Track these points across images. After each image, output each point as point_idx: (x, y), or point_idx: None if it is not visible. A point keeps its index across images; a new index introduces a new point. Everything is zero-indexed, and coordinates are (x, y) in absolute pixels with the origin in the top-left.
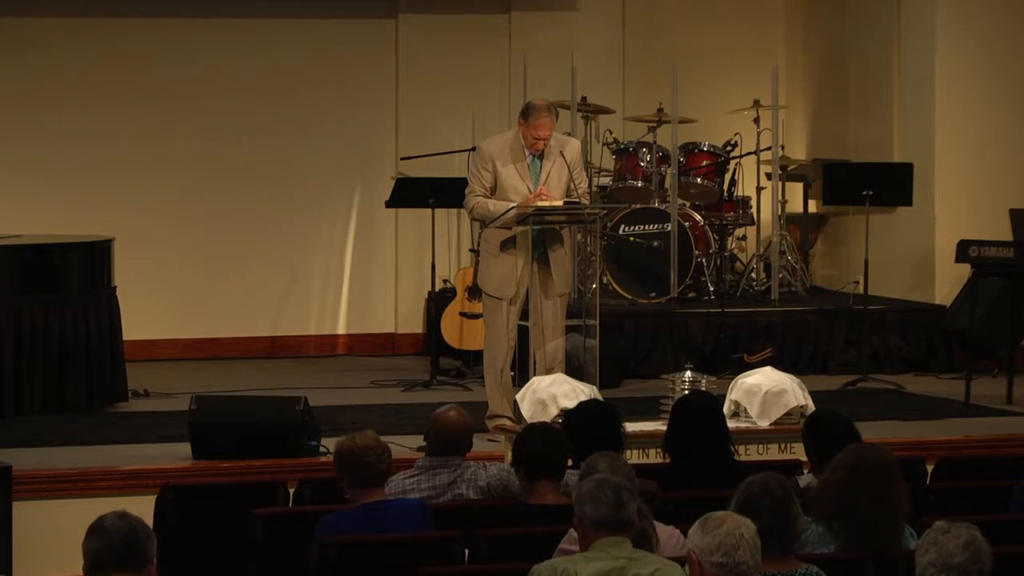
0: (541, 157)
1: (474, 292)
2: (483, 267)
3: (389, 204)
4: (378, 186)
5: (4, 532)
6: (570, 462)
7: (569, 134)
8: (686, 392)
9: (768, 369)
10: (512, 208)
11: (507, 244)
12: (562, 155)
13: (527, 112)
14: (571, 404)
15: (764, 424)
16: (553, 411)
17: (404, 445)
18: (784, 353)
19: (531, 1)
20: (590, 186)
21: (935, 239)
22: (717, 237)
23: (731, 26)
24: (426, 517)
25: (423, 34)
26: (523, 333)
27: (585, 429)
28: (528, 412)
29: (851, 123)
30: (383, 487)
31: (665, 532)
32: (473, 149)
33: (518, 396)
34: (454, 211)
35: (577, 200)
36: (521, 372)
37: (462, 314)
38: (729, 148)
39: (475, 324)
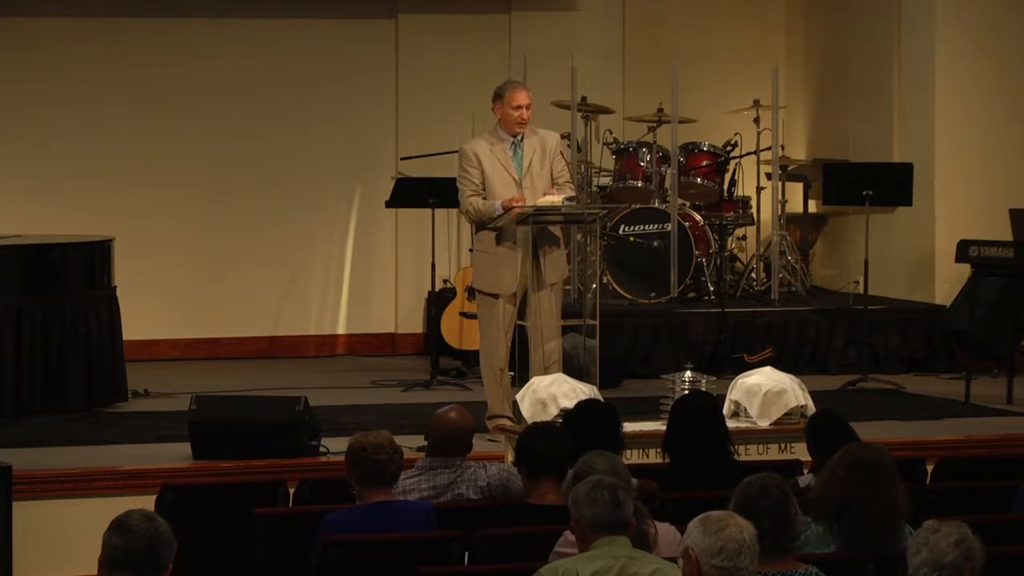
0: (522, 147)
1: (474, 292)
2: (477, 265)
3: (389, 204)
4: (378, 186)
5: (4, 532)
6: None
7: (569, 134)
8: (686, 392)
9: (768, 369)
10: (509, 210)
11: (501, 241)
12: (541, 145)
13: (500, 92)
14: (571, 404)
15: (764, 424)
16: (553, 411)
17: (404, 445)
18: (784, 353)
19: (531, 1)
20: (590, 186)
21: (935, 239)
22: (717, 237)
23: (731, 26)
24: (432, 520)
25: (423, 34)
26: (521, 333)
27: (585, 429)
28: (528, 412)
29: (851, 123)
30: (391, 488)
31: (662, 530)
32: None
33: (518, 396)
34: (454, 211)
35: (573, 195)
36: (521, 372)
37: (462, 314)
38: (729, 148)
39: (475, 324)
